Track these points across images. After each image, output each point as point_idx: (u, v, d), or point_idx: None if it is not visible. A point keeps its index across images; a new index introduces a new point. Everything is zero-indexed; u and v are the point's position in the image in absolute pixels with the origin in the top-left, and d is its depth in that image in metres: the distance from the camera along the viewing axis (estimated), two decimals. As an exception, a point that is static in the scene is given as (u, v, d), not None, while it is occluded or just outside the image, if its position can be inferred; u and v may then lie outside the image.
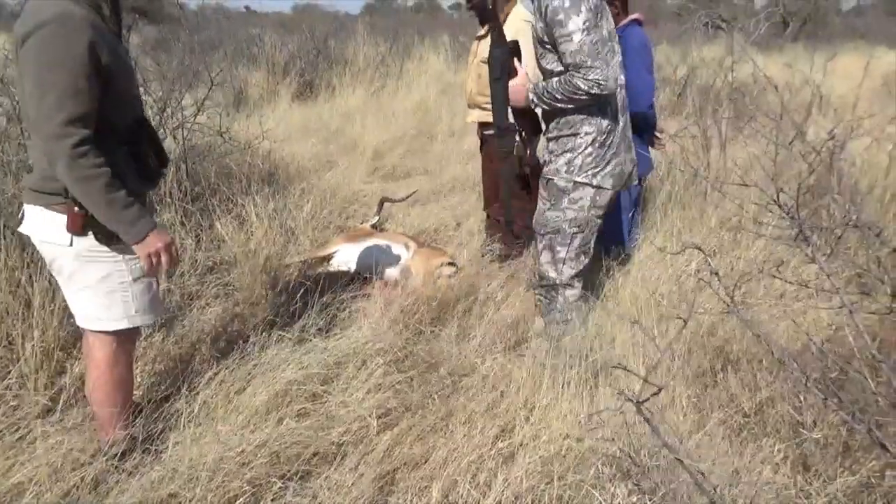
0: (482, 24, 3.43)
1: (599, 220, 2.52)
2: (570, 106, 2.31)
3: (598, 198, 2.45)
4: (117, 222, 1.76)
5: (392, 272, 3.56)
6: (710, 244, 3.34)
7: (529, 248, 3.53)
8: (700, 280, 2.27)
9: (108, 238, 1.82)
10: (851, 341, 2.03)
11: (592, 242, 2.56)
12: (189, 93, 4.32)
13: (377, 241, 3.69)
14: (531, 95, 2.38)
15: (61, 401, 2.26)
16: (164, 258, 1.85)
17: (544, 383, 2.23)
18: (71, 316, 2.67)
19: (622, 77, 2.41)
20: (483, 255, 3.50)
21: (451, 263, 3.51)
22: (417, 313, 2.91)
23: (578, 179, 2.41)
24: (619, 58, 2.39)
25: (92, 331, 1.94)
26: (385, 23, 13.93)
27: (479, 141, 3.75)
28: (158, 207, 3.55)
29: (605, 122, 2.36)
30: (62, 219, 1.80)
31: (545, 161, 2.54)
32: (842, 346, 2.16)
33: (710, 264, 1.61)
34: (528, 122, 2.57)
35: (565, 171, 2.43)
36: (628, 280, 3.01)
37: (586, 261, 2.58)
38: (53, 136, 1.65)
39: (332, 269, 3.59)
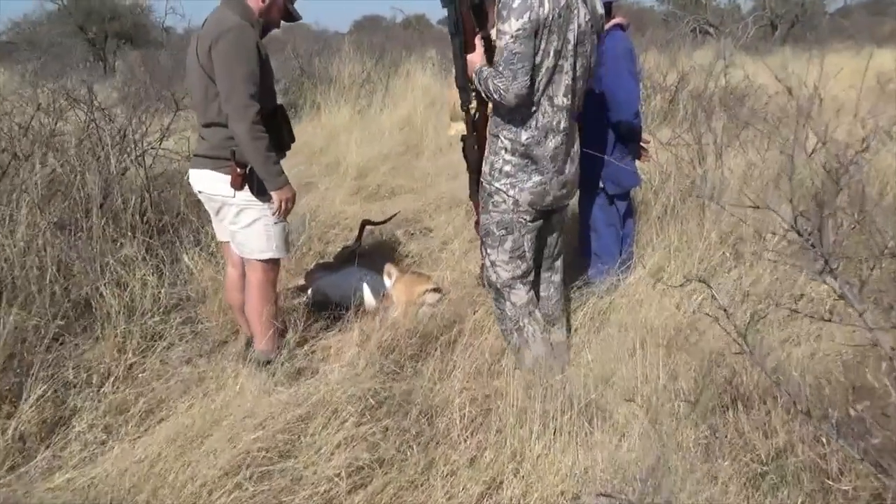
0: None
1: (532, 223, 2.47)
2: (490, 99, 2.31)
3: (519, 205, 2.41)
4: (268, 173, 2.42)
5: (372, 302, 3.34)
6: (711, 260, 3.12)
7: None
8: (707, 314, 2.04)
9: (259, 191, 2.48)
10: (870, 372, 1.81)
11: (528, 245, 2.50)
12: (157, 117, 4.12)
13: (356, 268, 3.47)
14: (473, 74, 2.38)
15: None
16: (289, 204, 2.54)
17: (534, 431, 1.99)
18: (7, 369, 2.47)
19: (565, 101, 2.32)
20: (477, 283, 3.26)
21: (435, 290, 3.29)
22: (396, 349, 2.68)
23: (497, 185, 2.42)
24: (567, 82, 2.31)
25: (250, 260, 2.59)
26: (372, 40, 13.78)
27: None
28: (121, 241, 3.32)
29: (523, 135, 2.34)
30: (227, 178, 2.46)
31: None
32: (855, 374, 1.93)
33: (716, 300, 1.39)
34: None
35: (489, 174, 2.44)
36: (622, 307, 2.79)
37: (524, 265, 2.52)
38: (242, 106, 2.32)
39: (309, 299, 3.37)
